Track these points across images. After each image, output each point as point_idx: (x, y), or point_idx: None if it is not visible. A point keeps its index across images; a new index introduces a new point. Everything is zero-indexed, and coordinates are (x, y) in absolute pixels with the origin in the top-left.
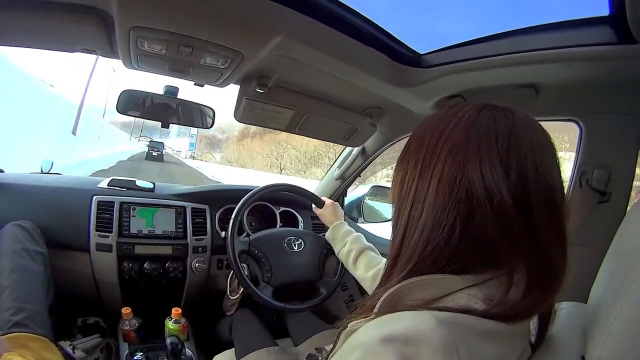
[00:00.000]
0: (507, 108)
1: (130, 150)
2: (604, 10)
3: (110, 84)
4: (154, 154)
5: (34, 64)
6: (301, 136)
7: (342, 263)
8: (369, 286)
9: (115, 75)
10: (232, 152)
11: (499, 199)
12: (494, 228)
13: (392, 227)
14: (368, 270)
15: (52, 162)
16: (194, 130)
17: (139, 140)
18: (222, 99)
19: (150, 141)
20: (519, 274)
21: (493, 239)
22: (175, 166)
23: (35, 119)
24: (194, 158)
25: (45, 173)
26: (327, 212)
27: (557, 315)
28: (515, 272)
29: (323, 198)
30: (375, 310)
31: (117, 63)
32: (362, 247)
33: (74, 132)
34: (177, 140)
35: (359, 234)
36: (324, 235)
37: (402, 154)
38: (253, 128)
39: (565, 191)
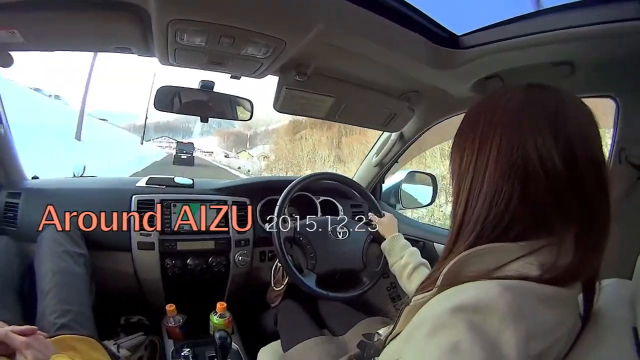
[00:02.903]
0: (550, 86)
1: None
2: None
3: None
4: (182, 157)
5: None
6: None
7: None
8: None
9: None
10: (284, 148)
11: (551, 165)
12: (548, 192)
13: (453, 201)
14: None
15: (85, 166)
16: None
17: (142, 142)
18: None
19: (177, 142)
20: (568, 241)
21: (546, 203)
22: (210, 171)
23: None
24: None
25: (79, 177)
26: (386, 222)
27: (603, 291)
28: (566, 239)
29: (383, 212)
30: (438, 283)
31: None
32: (418, 262)
33: (77, 138)
34: (203, 140)
35: (415, 249)
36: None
37: (458, 134)
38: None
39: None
